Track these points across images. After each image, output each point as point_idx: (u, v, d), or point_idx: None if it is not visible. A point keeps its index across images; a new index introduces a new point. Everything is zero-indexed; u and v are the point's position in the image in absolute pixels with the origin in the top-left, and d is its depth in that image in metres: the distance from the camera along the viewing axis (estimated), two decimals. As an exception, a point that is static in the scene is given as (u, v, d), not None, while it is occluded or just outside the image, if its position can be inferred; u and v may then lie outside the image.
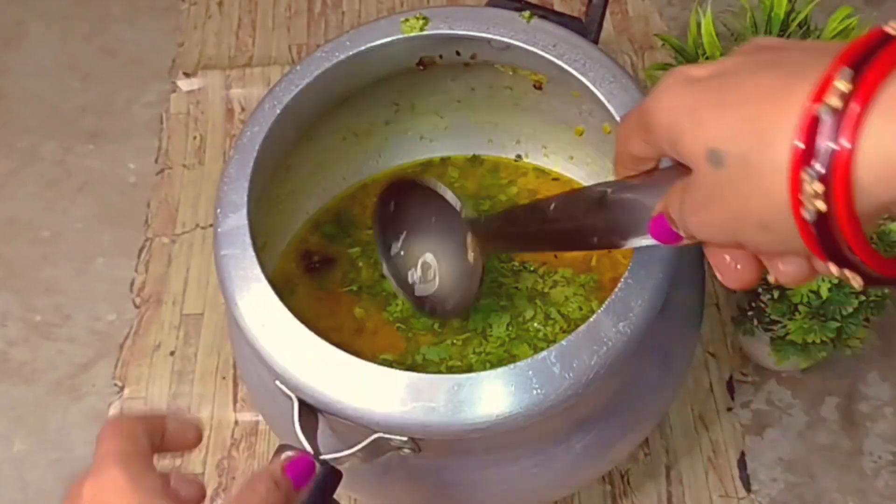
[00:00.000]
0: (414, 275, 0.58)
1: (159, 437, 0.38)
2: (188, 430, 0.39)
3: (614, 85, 0.50)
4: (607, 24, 0.90)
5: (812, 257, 0.27)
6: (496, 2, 0.53)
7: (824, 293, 0.58)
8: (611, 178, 0.40)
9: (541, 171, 0.65)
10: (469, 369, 0.55)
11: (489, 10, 0.53)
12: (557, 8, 0.87)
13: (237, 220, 0.48)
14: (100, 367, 0.76)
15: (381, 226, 0.57)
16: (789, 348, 0.63)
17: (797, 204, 0.24)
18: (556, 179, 0.65)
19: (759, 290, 0.62)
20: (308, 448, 0.42)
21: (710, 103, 0.27)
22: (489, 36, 0.53)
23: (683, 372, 0.55)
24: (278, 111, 0.51)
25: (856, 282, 0.26)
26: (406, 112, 0.64)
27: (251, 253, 0.47)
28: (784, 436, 0.69)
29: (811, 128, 0.24)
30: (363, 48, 0.53)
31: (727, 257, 0.31)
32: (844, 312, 0.59)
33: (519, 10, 0.52)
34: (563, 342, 0.43)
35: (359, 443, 0.43)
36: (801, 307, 0.60)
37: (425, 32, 0.53)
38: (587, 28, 0.53)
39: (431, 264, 0.57)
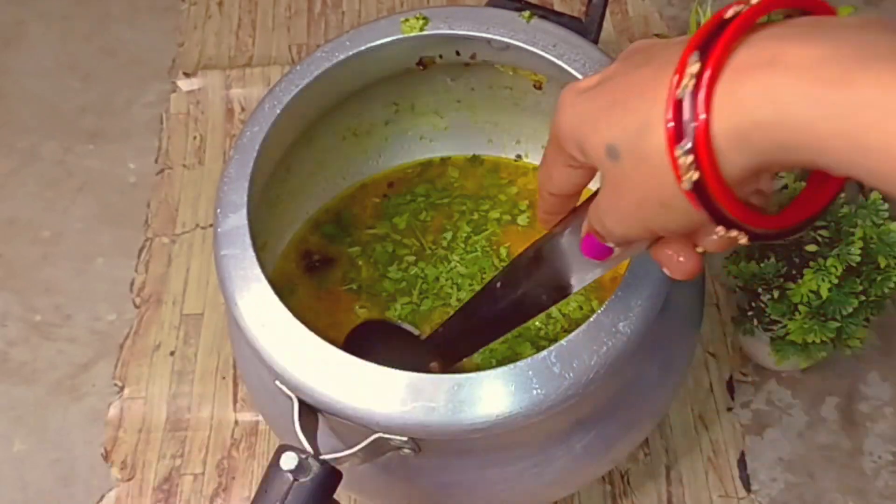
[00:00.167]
0: None
1: None
2: None
3: (614, 85, 0.50)
4: (607, 24, 0.90)
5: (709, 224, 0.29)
6: (496, 2, 0.53)
7: (824, 293, 0.58)
8: None
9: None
10: (475, 368, 0.55)
11: (489, 10, 0.53)
12: (557, 8, 0.87)
13: (237, 220, 0.48)
14: (100, 367, 0.76)
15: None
16: (789, 348, 0.63)
17: (679, 178, 0.27)
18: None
19: (759, 290, 0.62)
20: (308, 448, 0.42)
21: (600, 107, 0.31)
22: (489, 36, 0.53)
23: (683, 372, 0.55)
24: (278, 111, 0.51)
25: (743, 239, 0.29)
26: (406, 112, 0.64)
27: (251, 253, 0.47)
28: (784, 436, 0.69)
29: (676, 109, 0.26)
30: (363, 48, 0.53)
31: (669, 251, 0.34)
32: (844, 312, 0.59)
33: (519, 10, 0.52)
34: (563, 342, 0.43)
35: (359, 443, 0.43)
36: (801, 307, 0.59)
37: (425, 32, 0.53)
38: (587, 28, 0.53)
39: None
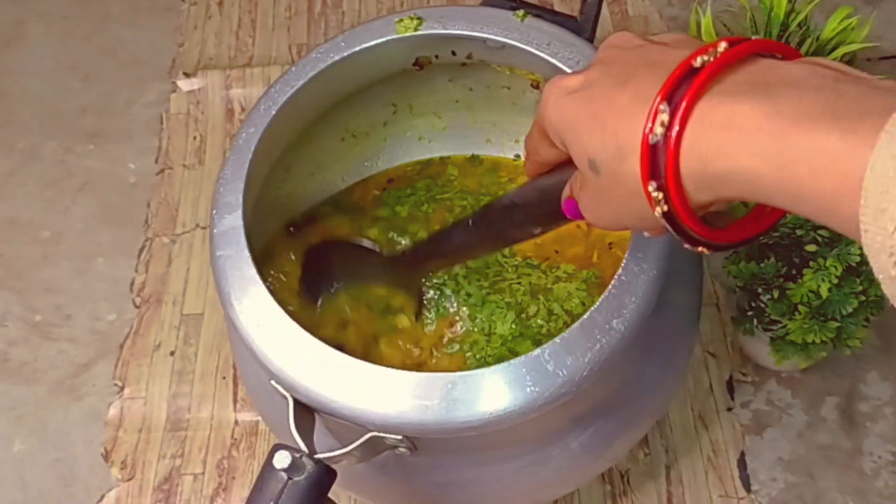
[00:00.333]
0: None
1: None
2: None
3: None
4: (607, 23, 0.89)
5: None
6: (491, 1, 0.53)
7: (824, 293, 0.58)
8: None
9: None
10: (483, 363, 0.56)
11: (483, 10, 0.53)
12: (557, 7, 0.87)
13: (233, 221, 0.48)
14: (100, 366, 0.76)
15: (310, 288, 0.59)
16: (789, 348, 0.63)
17: (652, 206, 0.31)
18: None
19: (759, 290, 0.62)
20: (303, 447, 0.42)
21: (582, 118, 0.33)
22: (483, 35, 0.53)
23: (682, 370, 0.55)
24: (274, 112, 0.51)
25: (706, 251, 0.33)
26: (404, 113, 0.64)
27: (247, 254, 0.47)
28: (784, 436, 0.69)
29: (649, 152, 0.30)
30: (358, 49, 0.53)
31: (646, 234, 0.36)
32: (844, 312, 0.59)
33: (513, 9, 0.52)
34: (557, 339, 0.43)
35: (354, 442, 0.43)
36: (801, 307, 0.59)
37: (419, 32, 0.53)
38: (582, 27, 0.53)
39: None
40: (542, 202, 0.42)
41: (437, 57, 0.56)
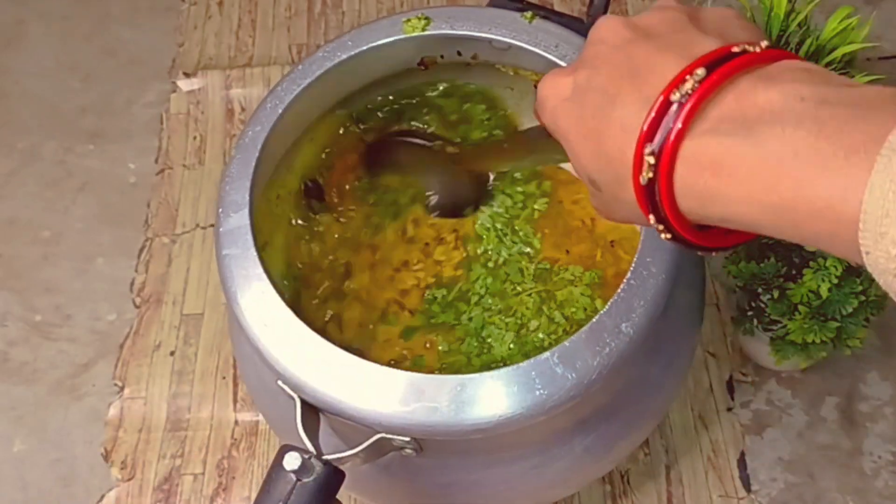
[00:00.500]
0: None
1: None
2: None
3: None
4: (608, 24, 0.89)
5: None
6: (498, 2, 0.54)
7: (824, 293, 0.58)
8: None
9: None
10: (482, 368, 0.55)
11: (491, 11, 0.53)
12: (557, 8, 0.87)
13: (239, 220, 0.48)
14: (100, 366, 0.76)
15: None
16: (789, 348, 0.63)
17: (658, 231, 0.31)
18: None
19: (759, 290, 0.62)
20: (311, 448, 0.42)
21: (578, 135, 0.33)
22: (491, 36, 0.53)
23: (684, 372, 0.55)
24: (280, 110, 0.51)
25: (707, 255, 0.35)
26: (408, 112, 0.64)
27: (253, 252, 0.47)
28: (784, 436, 0.69)
29: (644, 192, 0.30)
30: (365, 48, 0.53)
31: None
32: (844, 312, 0.59)
33: (520, 10, 0.53)
34: (566, 342, 0.43)
35: (361, 443, 0.43)
36: (801, 307, 0.60)
37: (427, 33, 0.53)
38: (588, 29, 0.53)
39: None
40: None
41: (442, 57, 0.56)
